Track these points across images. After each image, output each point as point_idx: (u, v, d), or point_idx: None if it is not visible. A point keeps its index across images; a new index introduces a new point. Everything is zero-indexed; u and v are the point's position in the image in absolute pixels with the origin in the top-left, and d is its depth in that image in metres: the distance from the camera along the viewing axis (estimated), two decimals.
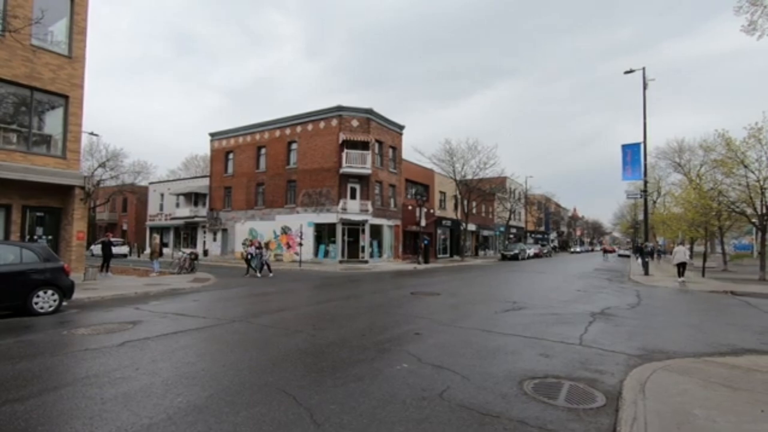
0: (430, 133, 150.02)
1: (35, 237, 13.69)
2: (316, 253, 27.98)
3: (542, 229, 68.49)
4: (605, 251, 65.76)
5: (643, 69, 20.87)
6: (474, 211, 41.23)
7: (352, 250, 27.75)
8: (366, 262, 27.34)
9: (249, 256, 18.58)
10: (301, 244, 25.74)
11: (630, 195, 26.65)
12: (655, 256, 33.47)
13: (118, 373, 4.81)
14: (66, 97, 13.76)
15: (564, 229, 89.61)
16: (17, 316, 8.34)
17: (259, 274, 17.89)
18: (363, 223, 27.56)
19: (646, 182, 22.47)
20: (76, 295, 9.90)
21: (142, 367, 5.02)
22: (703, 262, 22.00)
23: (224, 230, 34.20)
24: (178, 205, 38.79)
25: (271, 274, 18.09)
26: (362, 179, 28.07)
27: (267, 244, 19.84)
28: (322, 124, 28.61)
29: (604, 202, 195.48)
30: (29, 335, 6.84)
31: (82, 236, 14.22)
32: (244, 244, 20.22)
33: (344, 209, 27.11)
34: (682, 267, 17.58)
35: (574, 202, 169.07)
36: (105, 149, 36.23)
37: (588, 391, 4.41)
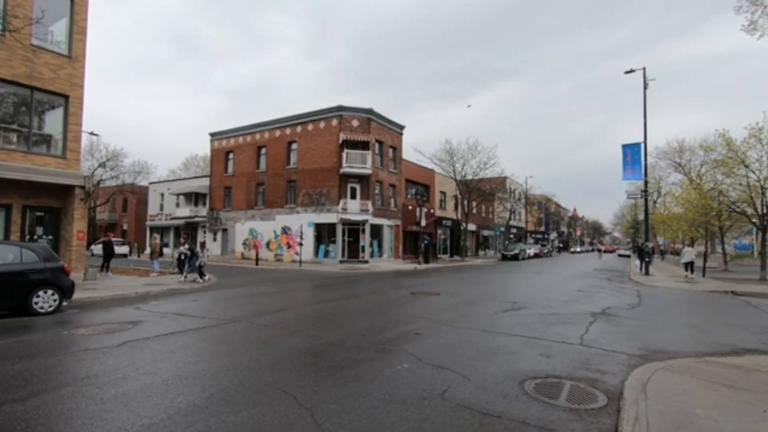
0: (431, 133, 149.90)
1: (35, 237, 13.68)
2: (316, 253, 27.98)
3: (542, 229, 68.50)
4: (599, 251, 67.54)
5: (644, 69, 20.88)
6: (474, 211, 41.23)
7: (353, 250, 27.74)
8: (366, 262, 27.33)
9: (182, 257, 16.02)
10: (301, 244, 25.74)
11: (630, 195, 26.68)
12: (655, 255, 33.36)
13: (118, 373, 4.80)
14: (66, 97, 13.76)
15: (564, 229, 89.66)
16: (17, 316, 8.33)
17: (195, 280, 15.06)
18: (363, 223, 27.55)
19: (646, 182, 22.48)
20: (76, 295, 9.88)
21: (142, 367, 5.01)
22: (704, 262, 21.98)
23: (224, 230, 34.20)
24: (178, 205, 38.79)
25: (201, 280, 14.97)
26: (362, 179, 28.06)
27: (203, 245, 16.49)
28: (322, 124, 28.61)
29: (604, 202, 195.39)
30: (29, 335, 6.83)
31: (82, 236, 14.21)
32: (181, 244, 17.15)
33: (344, 209, 27.10)
34: (689, 265, 19.45)
35: (574, 202, 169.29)
36: (105, 149, 36.31)
37: (589, 391, 4.40)
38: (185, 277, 15.40)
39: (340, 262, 26.81)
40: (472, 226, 41.75)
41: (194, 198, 37.69)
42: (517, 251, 39.94)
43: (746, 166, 17.31)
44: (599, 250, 72.98)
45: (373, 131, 28.52)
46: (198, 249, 15.71)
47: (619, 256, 60.33)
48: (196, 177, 42.08)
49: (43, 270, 8.73)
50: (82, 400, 3.99)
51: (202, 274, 15.36)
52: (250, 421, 3.56)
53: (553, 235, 75.63)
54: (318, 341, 6.43)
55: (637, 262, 21.32)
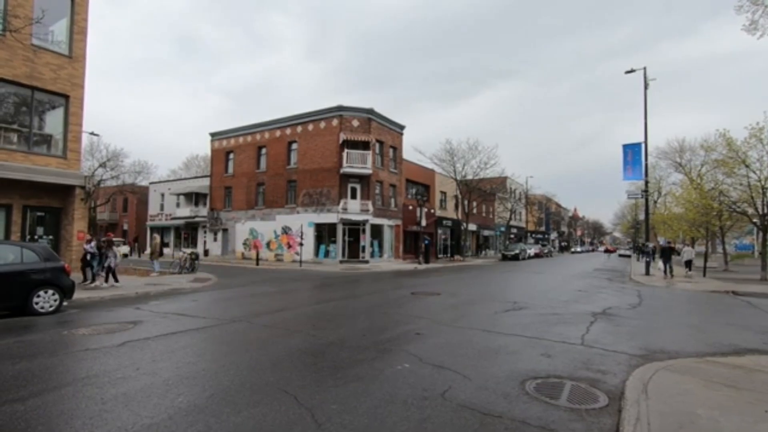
0: (431, 134, 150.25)
1: (36, 237, 13.68)
2: (316, 253, 27.97)
3: (543, 229, 68.47)
4: (607, 251, 69.67)
5: (644, 69, 20.84)
6: (474, 211, 41.20)
7: (353, 250, 27.73)
8: (366, 262, 27.32)
9: (87, 256, 13.30)
10: (301, 244, 25.74)
11: (631, 195, 26.62)
12: (655, 256, 33.18)
13: (119, 373, 4.79)
14: (66, 97, 13.76)
15: (564, 229, 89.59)
16: (18, 316, 8.33)
17: (101, 283, 12.80)
18: (363, 223, 27.55)
19: (647, 182, 22.44)
20: (77, 295, 9.89)
21: (143, 367, 5.00)
22: (704, 262, 21.95)
23: (225, 230, 34.20)
24: (178, 205, 38.80)
25: (105, 284, 12.70)
26: (363, 179, 28.05)
27: (111, 243, 13.61)
28: (322, 124, 28.60)
29: (604, 202, 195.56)
30: (29, 335, 6.83)
31: (82, 236, 14.20)
32: (87, 242, 13.81)
33: (345, 209, 27.10)
34: (689, 263, 21.49)
35: (574, 202, 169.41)
36: (105, 149, 36.20)
37: (590, 391, 4.39)
38: (102, 281, 12.91)
39: (341, 262, 26.80)
40: (472, 226, 41.72)
41: (195, 198, 37.70)
42: (517, 251, 39.91)
43: (747, 166, 17.29)
44: (607, 251, 75.01)
45: (374, 131, 28.50)
46: (106, 247, 13.23)
47: (620, 256, 60.32)
48: (196, 177, 42.08)
49: (43, 270, 8.73)
50: (83, 400, 3.99)
51: (109, 278, 13.04)
52: (250, 421, 3.55)
53: (553, 235, 75.62)
54: (318, 341, 6.43)
55: (661, 264, 20.73)
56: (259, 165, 32.13)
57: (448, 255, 39.36)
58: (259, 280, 16.49)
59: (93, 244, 13.54)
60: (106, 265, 13.05)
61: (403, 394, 4.22)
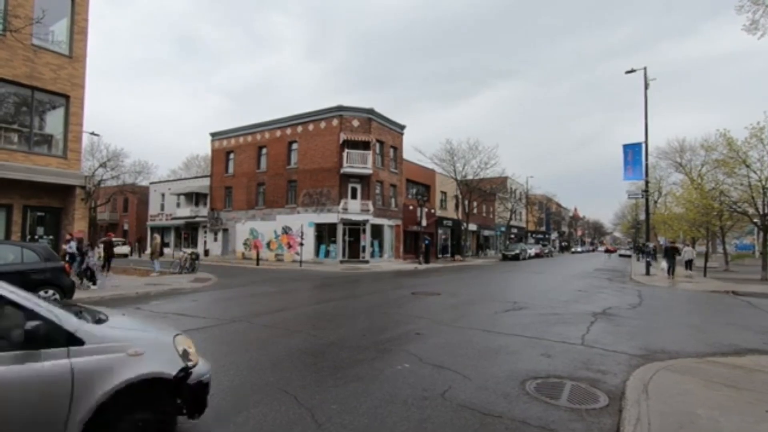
0: (431, 133, 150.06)
1: (36, 237, 13.69)
2: (316, 253, 27.97)
3: (543, 229, 68.45)
4: (607, 251, 71.03)
5: (645, 69, 20.82)
6: (475, 211, 41.20)
7: (353, 250, 27.73)
8: (367, 262, 27.32)
9: (66, 257, 12.24)
10: (302, 244, 25.72)
11: (631, 195, 26.58)
12: (657, 256, 33.11)
13: None
14: (67, 97, 13.76)
15: (565, 229, 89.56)
16: None
17: (91, 285, 12.47)
18: (364, 223, 27.54)
19: (647, 182, 22.42)
20: (77, 295, 9.90)
21: None
22: (705, 262, 21.96)
23: (225, 230, 34.20)
24: (178, 205, 38.80)
25: (93, 286, 12.46)
26: (363, 179, 28.05)
27: (93, 244, 12.93)
28: (322, 124, 28.60)
29: (604, 202, 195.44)
30: None
31: (81, 235, 14.19)
32: (66, 241, 12.97)
33: (345, 209, 27.09)
34: (689, 263, 22.13)
35: (574, 202, 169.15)
36: (106, 149, 36.14)
37: (590, 392, 4.39)
38: (89, 283, 12.53)
39: (341, 262, 26.79)
40: (472, 226, 41.71)
41: (195, 198, 37.70)
42: (517, 251, 39.90)
43: (747, 166, 17.29)
44: (607, 251, 76.68)
45: (374, 131, 28.50)
46: (91, 247, 12.62)
47: (620, 256, 60.33)
48: (196, 177, 42.08)
49: (43, 270, 8.74)
50: None
51: (91, 279, 12.64)
52: (251, 421, 3.56)
53: (554, 235, 75.62)
54: (318, 341, 6.43)
55: (665, 264, 20.51)
56: (260, 165, 32.13)
57: (449, 255, 39.34)
58: (260, 280, 16.49)
59: (73, 244, 12.69)
60: (83, 267, 12.57)
61: (403, 394, 4.22)
